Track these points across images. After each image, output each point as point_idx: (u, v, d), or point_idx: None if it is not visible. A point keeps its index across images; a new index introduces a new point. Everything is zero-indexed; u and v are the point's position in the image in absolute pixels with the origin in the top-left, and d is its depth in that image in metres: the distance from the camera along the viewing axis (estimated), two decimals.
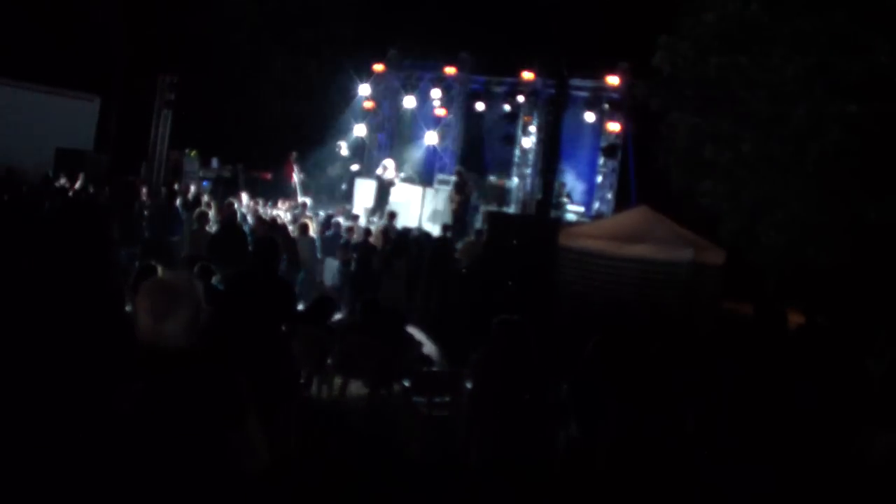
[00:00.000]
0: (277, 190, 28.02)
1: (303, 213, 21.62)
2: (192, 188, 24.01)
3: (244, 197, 23.18)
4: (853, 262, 17.15)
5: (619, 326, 12.29)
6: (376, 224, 22.86)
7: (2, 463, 3.99)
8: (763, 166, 18.88)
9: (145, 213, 19.40)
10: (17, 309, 4.42)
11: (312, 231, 18.83)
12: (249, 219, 19.32)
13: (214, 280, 10.64)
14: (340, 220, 21.18)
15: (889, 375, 7.72)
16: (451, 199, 25.50)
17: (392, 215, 21.77)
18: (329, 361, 10.92)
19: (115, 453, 3.43)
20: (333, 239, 19.00)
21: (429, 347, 12.12)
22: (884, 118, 16.22)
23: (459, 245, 20.97)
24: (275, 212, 22.08)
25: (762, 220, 18.99)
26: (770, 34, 18.30)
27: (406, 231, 20.51)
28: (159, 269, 8.81)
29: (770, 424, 7.97)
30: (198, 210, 17.56)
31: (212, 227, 17.07)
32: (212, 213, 18.13)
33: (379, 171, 27.01)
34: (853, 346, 9.60)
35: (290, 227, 18.84)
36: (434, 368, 11.35)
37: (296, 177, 28.18)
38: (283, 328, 8.41)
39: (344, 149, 29.80)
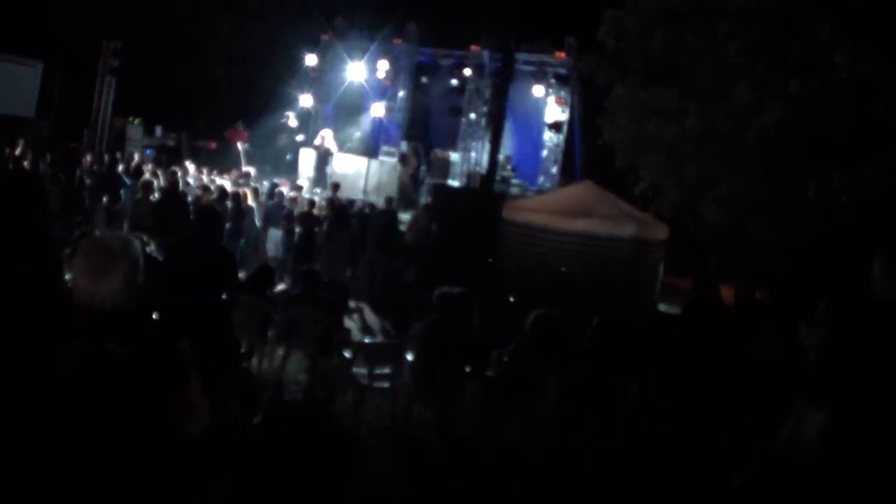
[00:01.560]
0: (222, 159, 27.85)
1: (247, 183, 21.50)
2: (136, 157, 23.80)
3: (189, 166, 23.01)
4: (793, 237, 17.33)
5: (561, 300, 12.38)
6: (319, 195, 22.78)
7: None
8: (706, 141, 19.01)
9: (87, 181, 19.22)
10: None
11: (254, 201, 18.74)
12: (194, 187, 19.20)
13: (150, 249, 10.56)
14: (284, 190, 21.10)
15: (822, 348, 7.83)
16: (400, 172, 25.55)
17: (336, 186, 21.71)
18: (270, 332, 10.89)
19: (53, 415, 3.41)
20: (276, 209, 18.92)
21: (371, 319, 12.12)
22: (823, 96, 16.38)
23: (405, 217, 20.98)
24: (219, 181, 21.93)
25: (704, 195, 19.13)
26: (714, 10, 18.39)
27: (350, 202, 20.47)
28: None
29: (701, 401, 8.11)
30: (143, 179, 17.42)
31: (156, 196, 16.94)
32: (157, 183, 17.98)
33: (317, 141, 26.95)
34: (790, 320, 9.72)
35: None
36: (376, 340, 11.36)
37: (240, 146, 28.02)
38: (224, 297, 8.38)
39: (292, 119, 29.64)
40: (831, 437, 4.68)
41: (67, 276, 5.05)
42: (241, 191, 18.96)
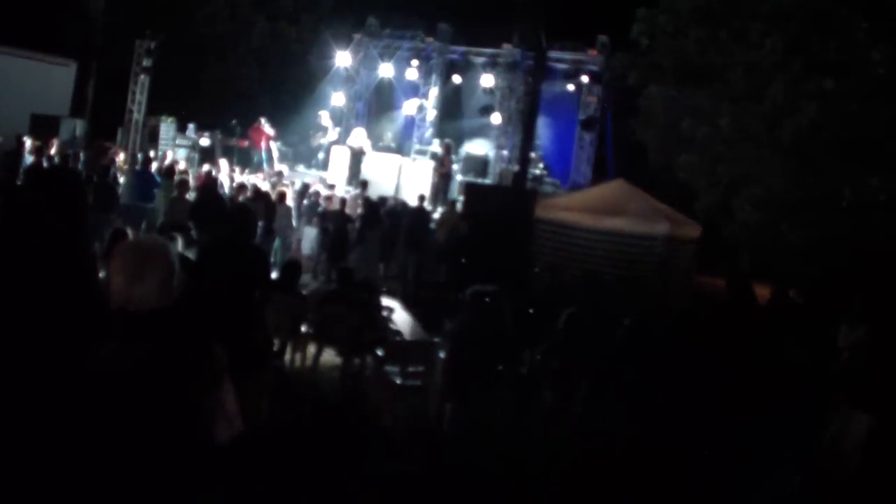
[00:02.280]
0: (254, 157, 27.92)
1: (279, 182, 21.53)
2: (170, 155, 23.89)
3: (223, 164, 23.09)
4: (827, 238, 17.21)
5: (593, 299, 12.34)
6: (351, 193, 22.81)
7: None
8: (740, 141, 18.91)
9: (121, 179, 19.31)
10: None
11: (289, 199, 18.79)
12: (226, 187, 19.25)
13: (181, 247, 10.61)
14: (320, 188, 21.13)
15: (863, 350, 7.78)
16: (434, 171, 25.53)
17: (364, 184, 21.67)
18: (303, 329, 10.92)
19: (84, 415, 3.42)
20: (312, 207, 18.95)
21: (403, 317, 12.13)
22: (860, 95, 16.26)
23: (436, 216, 20.97)
24: (252, 179, 21.98)
25: (738, 195, 19.03)
26: (749, 9, 18.29)
27: (382, 200, 20.47)
28: (130, 234, 8.77)
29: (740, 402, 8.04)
30: (178, 177, 17.49)
31: (191, 195, 17.00)
32: (191, 181, 18.06)
33: (350, 139, 26.97)
34: (824, 321, 9.67)
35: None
36: (407, 338, 11.36)
37: (271, 144, 28.07)
38: (257, 295, 8.40)
39: (325, 118, 29.67)
40: (879, 439, 4.63)
41: (102, 274, 5.08)
42: (278, 189, 19.00)
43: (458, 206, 20.37)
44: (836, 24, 16.71)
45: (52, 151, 20.67)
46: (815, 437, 5.41)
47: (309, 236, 18.62)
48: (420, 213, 19.23)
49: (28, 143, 20.03)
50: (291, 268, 11.44)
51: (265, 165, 26.93)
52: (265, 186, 20.53)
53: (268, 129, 28.03)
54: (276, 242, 16.88)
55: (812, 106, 16.61)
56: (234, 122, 29.11)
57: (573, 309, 9.31)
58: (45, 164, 18.23)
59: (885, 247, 15.43)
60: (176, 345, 3.59)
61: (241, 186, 18.54)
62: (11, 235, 4.58)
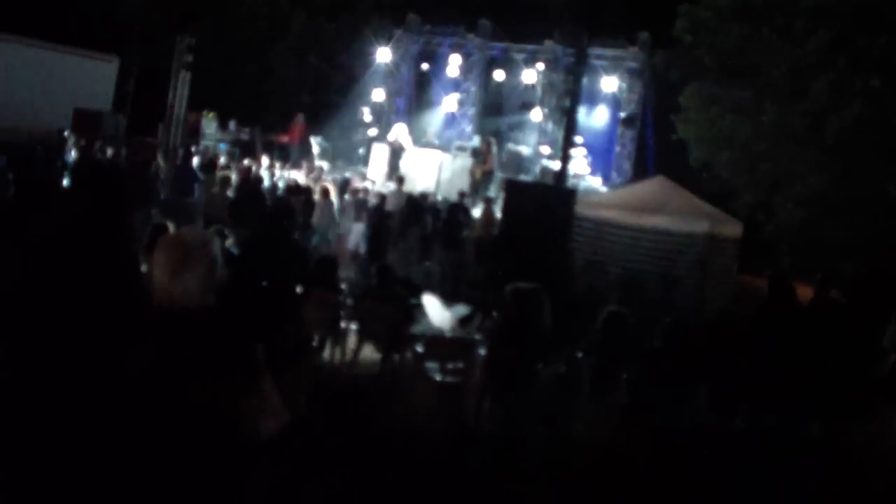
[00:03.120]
0: (294, 153, 28.03)
1: (320, 178, 21.57)
2: (212, 151, 23.99)
3: (264, 160, 23.16)
4: (870, 237, 17.05)
5: (633, 297, 12.29)
6: (391, 189, 22.83)
7: (15, 423, 4.01)
8: (782, 139, 18.76)
9: (161, 174, 19.43)
10: (28, 270, 4.41)
11: (332, 195, 18.84)
12: (267, 181, 19.33)
13: (229, 243, 10.65)
14: (367, 184, 21.14)
15: None
16: (472, 168, 25.52)
17: (400, 180, 21.62)
18: (342, 325, 10.95)
19: (123, 413, 3.42)
20: (360, 204, 18.97)
21: (443, 314, 12.10)
22: None
23: (477, 213, 20.97)
24: (292, 175, 22.05)
25: (780, 193, 18.89)
26: (792, 5, 18.14)
27: (423, 197, 20.46)
28: (171, 228, 8.82)
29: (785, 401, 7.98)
30: (221, 173, 17.57)
31: (232, 190, 17.08)
32: (232, 176, 18.13)
33: (391, 136, 26.98)
34: (868, 321, 9.56)
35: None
36: (447, 335, 11.35)
37: (312, 140, 28.15)
38: (296, 291, 8.41)
39: (366, 114, 29.72)
40: None
41: (143, 268, 5.09)
42: (321, 185, 19.03)
43: (498, 204, 20.34)
44: (883, 20, 16.53)
45: (96, 146, 20.82)
46: (853, 438, 5.35)
47: (356, 231, 18.61)
48: (458, 210, 19.20)
49: (70, 138, 20.18)
50: (327, 264, 11.44)
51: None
52: (306, 182, 20.57)
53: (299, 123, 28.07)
54: (315, 238, 16.88)
55: (857, 104, 16.45)
56: (274, 118, 29.21)
57: (614, 307, 9.27)
58: (89, 159, 18.37)
59: None
60: (218, 344, 3.59)
61: (288, 183, 18.56)
62: (55, 231, 4.61)
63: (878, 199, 16.84)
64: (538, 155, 29.40)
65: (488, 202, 20.85)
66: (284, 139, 28.55)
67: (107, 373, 3.50)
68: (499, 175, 26.37)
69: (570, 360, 9.14)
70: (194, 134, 26.95)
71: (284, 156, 27.37)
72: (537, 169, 28.48)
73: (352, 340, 11.13)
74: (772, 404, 8.41)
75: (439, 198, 21.95)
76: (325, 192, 18.33)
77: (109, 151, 20.45)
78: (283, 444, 4.02)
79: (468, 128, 30.83)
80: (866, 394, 7.41)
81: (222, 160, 21.48)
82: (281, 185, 19.17)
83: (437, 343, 10.40)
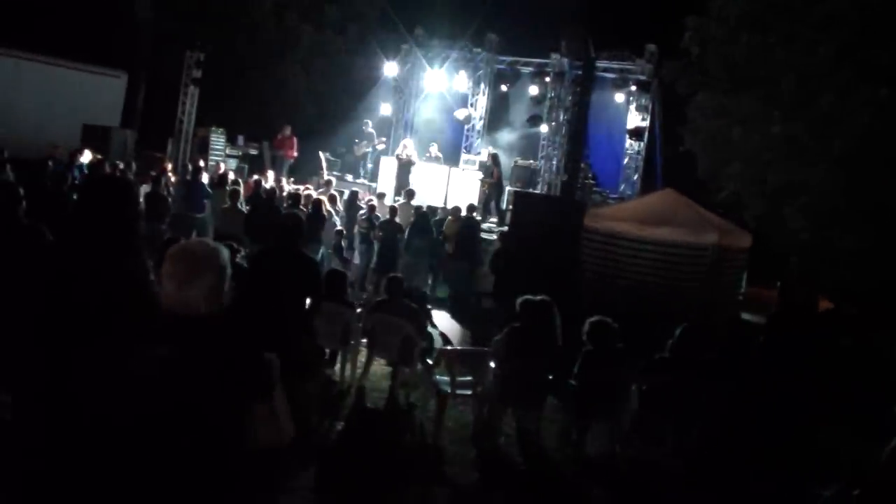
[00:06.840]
0: (301, 167, 28.06)
1: (327, 191, 21.60)
2: (222, 166, 23.99)
3: (271, 174, 23.20)
4: (879, 248, 17.02)
5: (640, 309, 12.29)
6: (399, 202, 22.85)
7: (26, 426, 4.04)
8: (790, 150, 18.76)
9: (171, 189, 19.47)
10: (40, 281, 4.45)
11: (338, 208, 18.88)
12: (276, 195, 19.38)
13: (239, 258, 10.67)
14: (374, 198, 21.17)
15: None
16: (482, 182, 25.55)
17: (410, 194, 21.63)
18: (352, 339, 10.96)
19: (134, 418, 3.44)
20: (368, 218, 19.02)
21: (453, 326, 12.14)
22: None
23: (485, 226, 20.99)
24: (303, 189, 22.10)
25: (788, 203, 18.87)
26: (800, 15, 18.16)
27: (431, 210, 20.48)
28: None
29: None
30: (231, 187, 17.60)
31: (242, 205, 17.11)
32: (241, 191, 18.17)
33: (398, 150, 26.99)
34: (877, 332, 9.57)
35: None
36: (457, 347, 11.36)
37: (321, 155, 28.15)
38: (307, 304, 8.42)
39: (370, 127, 29.74)
40: None
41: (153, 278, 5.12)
42: (321, 198, 19.06)
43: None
44: (890, 30, 16.53)
45: (105, 163, 20.83)
46: (871, 448, 5.31)
47: (363, 247, 18.66)
48: (468, 223, 19.21)
49: (83, 156, 20.23)
50: (338, 277, 11.46)
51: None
52: (316, 195, 20.61)
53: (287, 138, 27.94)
54: (322, 251, 16.88)
55: (866, 114, 16.45)
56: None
57: (596, 318, 9.28)
58: (99, 173, 18.40)
59: None
60: (227, 350, 3.61)
61: (296, 196, 18.61)
62: (65, 245, 4.64)
63: (887, 209, 16.82)
64: (546, 168, 29.43)
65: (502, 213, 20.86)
66: (293, 154, 28.55)
67: (117, 375, 3.52)
68: (507, 188, 26.39)
69: (581, 371, 9.13)
70: (203, 149, 26.98)
71: (291, 170, 27.42)
72: (545, 182, 28.52)
73: (362, 353, 11.15)
74: (784, 414, 8.39)
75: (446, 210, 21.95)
76: (332, 199, 18.50)
77: (120, 166, 20.48)
78: (293, 455, 4.04)
79: (476, 141, 30.86)
80: (881, 405, 7.41)
81: (232, 175, 21.47)
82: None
83: (448, 355, 10.41)
